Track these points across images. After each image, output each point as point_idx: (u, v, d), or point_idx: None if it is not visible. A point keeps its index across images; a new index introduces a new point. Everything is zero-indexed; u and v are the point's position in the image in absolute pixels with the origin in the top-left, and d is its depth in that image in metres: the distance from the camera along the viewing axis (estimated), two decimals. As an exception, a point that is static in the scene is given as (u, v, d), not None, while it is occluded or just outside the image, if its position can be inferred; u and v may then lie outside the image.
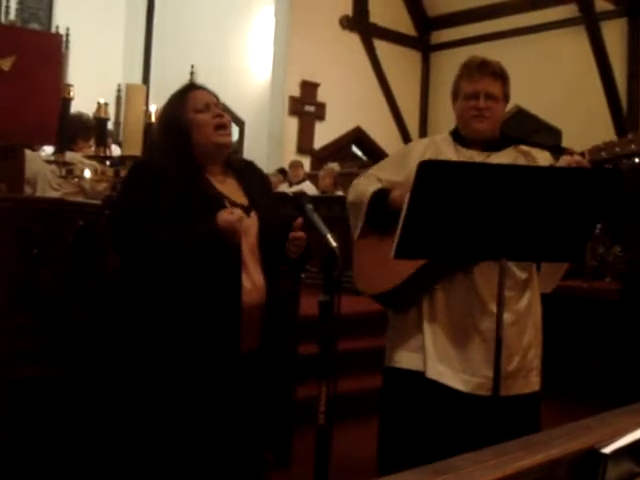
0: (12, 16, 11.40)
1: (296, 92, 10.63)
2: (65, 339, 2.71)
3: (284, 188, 8.74)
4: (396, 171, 2.56)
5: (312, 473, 1.90)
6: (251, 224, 2.22)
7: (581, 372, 5.38)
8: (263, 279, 2.22)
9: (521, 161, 2.48)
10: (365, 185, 2.56)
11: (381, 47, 11.39)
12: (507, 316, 2.33)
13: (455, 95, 2.55)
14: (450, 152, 2.51)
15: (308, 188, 7.94)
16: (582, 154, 2.29)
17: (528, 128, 9.92)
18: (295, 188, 8.36)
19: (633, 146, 2.22)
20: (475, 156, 2.48)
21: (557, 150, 2.52)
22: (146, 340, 2.16)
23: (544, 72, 9.90)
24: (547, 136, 9.86)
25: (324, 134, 10.75)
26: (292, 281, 3.51)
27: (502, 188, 1.95)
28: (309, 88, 10.69)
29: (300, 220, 2.19)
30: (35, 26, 11.85)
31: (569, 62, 9.75)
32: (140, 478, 2.19)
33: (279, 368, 2.67)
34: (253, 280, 2.18)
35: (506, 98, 2.52)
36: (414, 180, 1.91)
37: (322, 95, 10.79)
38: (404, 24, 11.75)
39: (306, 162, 10.15)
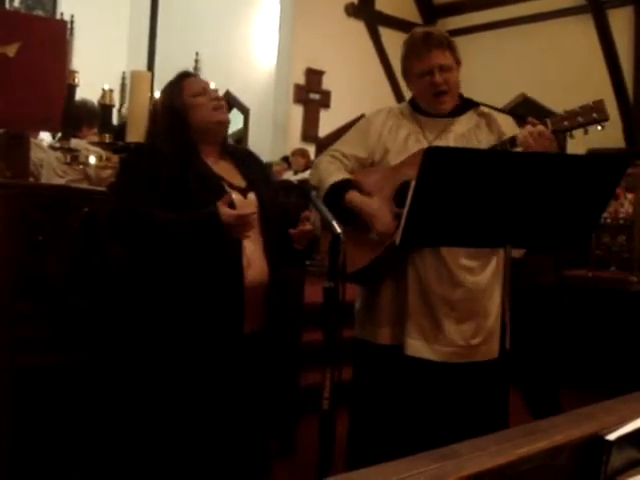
0: (16, 2, 11.38)
1: (301, 80, 10.58)
2: (70, 326, 2.72)
3: (289, 176, 8.72)
4: (360, 146, 2.55)
5: (316, 461, 1.90)
6: (250, 205, 2.24)
7: (584, 361, 5.38)
8: (265, 260, 2.23)
9: (482, 125, 2.50)
10: (327, 169, 2.53)
11: (386, 35, 11.31)
12: (474, 285, 2.37)
13: (406, 75, 2.54)
14: (411, 122, 2.52)
15: (313, 176, 7.90)
16: (544, 123, 2.29)
17: (534, 117, 9.88)
18: (300, 176, 8.35)
19: (595, 114, 2.23)
20: (436, 124, 2.49)
21: (520, 118, 2.52)
22: (149, 323, 2.18)
23: (550, 60, 9.84)
24: (553, 125, 9.81)
25: (329, 122, 10.68)
26: (297, 268, 3.52)
27: (508, 175, 1.94)
28: (314, 76, 10.63)
29: (307, 213, 2.21)
30: (39, 13, 11.83)
31: (576, 50, 9.68)
32: (143, 464, 2.20)
33: (283, 352, 2.68)
34: (253, 261, 2.20)
35: (458, 63, 2.50)
36: (420, 166, 1.90)
37: (327, 83, 10.74)
38: (410, 11, 11.66)
39: (311, 150, 10.13)
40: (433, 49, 2.43)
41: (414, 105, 2.56)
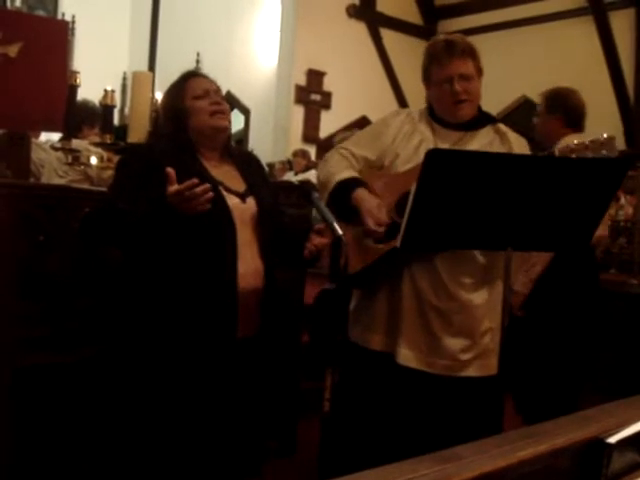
0: (18, 2, 11.38)
1: (302, 81, 10.60)
2: (71, 326, 2.72)
3: (290, 177, 8.73)
4: (371, 148, 2.52)
5: (316, 460, 1.90)
6: (248, 209, 2.24)
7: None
8: (261, 264, 2.23)
9: (497, 142, 2.48)
10: (335, 166, 2.50)
11: (388, 36, 11.34)
12: (469, 301, 2.37)
13: (427, 80, 2.51)
14: (427, 130, 2.50)
15: (314, 177, 7.91)
16: (552, 153, 2.27)
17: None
18: (301, 177, 8.35)
19: (604, 151, 2.20)
20: (450, 136, 2.46)
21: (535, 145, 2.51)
22: (143, 326, 2.18)
23: (551, 62, 9.85)
24: (554, 127, 9.82)
25: (330, 123, 10.70)
26: (297, 270, 3.51)
27: (509, 177, 1.94)
28: (315, 77, 10.65)
29: (321, 226, 2.20)
30: (41, 13, 11.83)
31: (577, 52, 9.69)
32: (141, 466, 2.20)
33: (281, 355, 2.68)
34: (249, 265, 2.20)
35: (480, 72, 2.47)
36: (421, 168, 1.90)
37: (328, 84, 10.76)
38: (411, 13, 11.68)
39: (312, 151, 10.14)
40: (455, 57, 2.40)
41: (431, 112, 2.54)
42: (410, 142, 2.47)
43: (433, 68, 2.46)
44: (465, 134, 2.47)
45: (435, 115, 2.52)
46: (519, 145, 2.49)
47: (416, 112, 2.60)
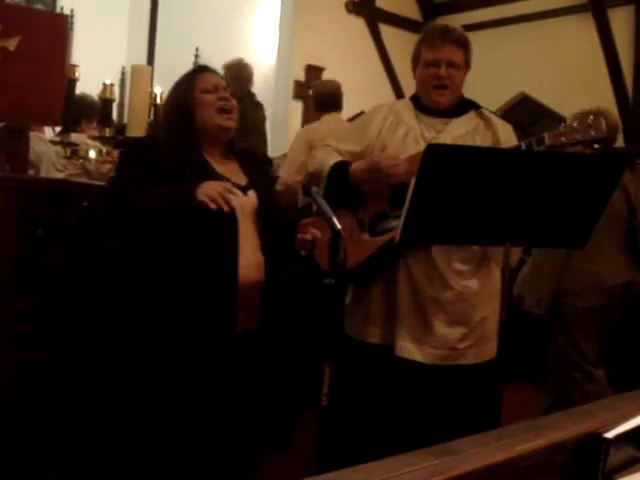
0: (17, -4, 11.33)
1: (301, 76, 10.56)
2: (70, 320, 2.72)
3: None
4: (356, 141, 2.56)
5: (313, 455, 1.91)
6: (249, 202, 2.24)
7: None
8: (262, 258, 2.23)
9: (481, 127, 2.51)
10: (325, 157, 2.54)
11: (387, 32, 11.31)
12: (464, 288, 2.37)
13: (416, 60, 2.54)
14: (411, 119, 2.52)
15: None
16: (542, 138, 2.29)
17: (533, 115, 9.87)
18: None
19: (592, 132, 2.23)
20: (435, 123, 2.49)
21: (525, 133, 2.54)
22: (143, 319, 2.18)
23: (550, 59, 9.84)
24: (552, 123, 9.82)
25: (328, 119, 10.68)
26: (296, 265, 3.51)
27: (508, 173, 1.95)
28: (314, 72, 10.61)
29: (306, 220, 2.22)
30: (39, 7, 11.78)
31: (575, 49, 9.68)
32: (140, 460, 2.20)
33: (280, 349, 2.69)
34: (250, 258, 2.20)
35: (467, 65, 2.51)
36: (420, 163, 1.90)
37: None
38: (410, 9, 11.65)
39: (310, 146, 10.12)
40: (447, 43, 2.45)
41: (416, 101, 2.56)
42: (396, 133, 2.50)
43: (424, 48, 2.50)
44: (449, 120, 2.50)
45: (419, 103, 2.54)
46: (503, 127, 2.53)
47: (399, 103, 2.64)
